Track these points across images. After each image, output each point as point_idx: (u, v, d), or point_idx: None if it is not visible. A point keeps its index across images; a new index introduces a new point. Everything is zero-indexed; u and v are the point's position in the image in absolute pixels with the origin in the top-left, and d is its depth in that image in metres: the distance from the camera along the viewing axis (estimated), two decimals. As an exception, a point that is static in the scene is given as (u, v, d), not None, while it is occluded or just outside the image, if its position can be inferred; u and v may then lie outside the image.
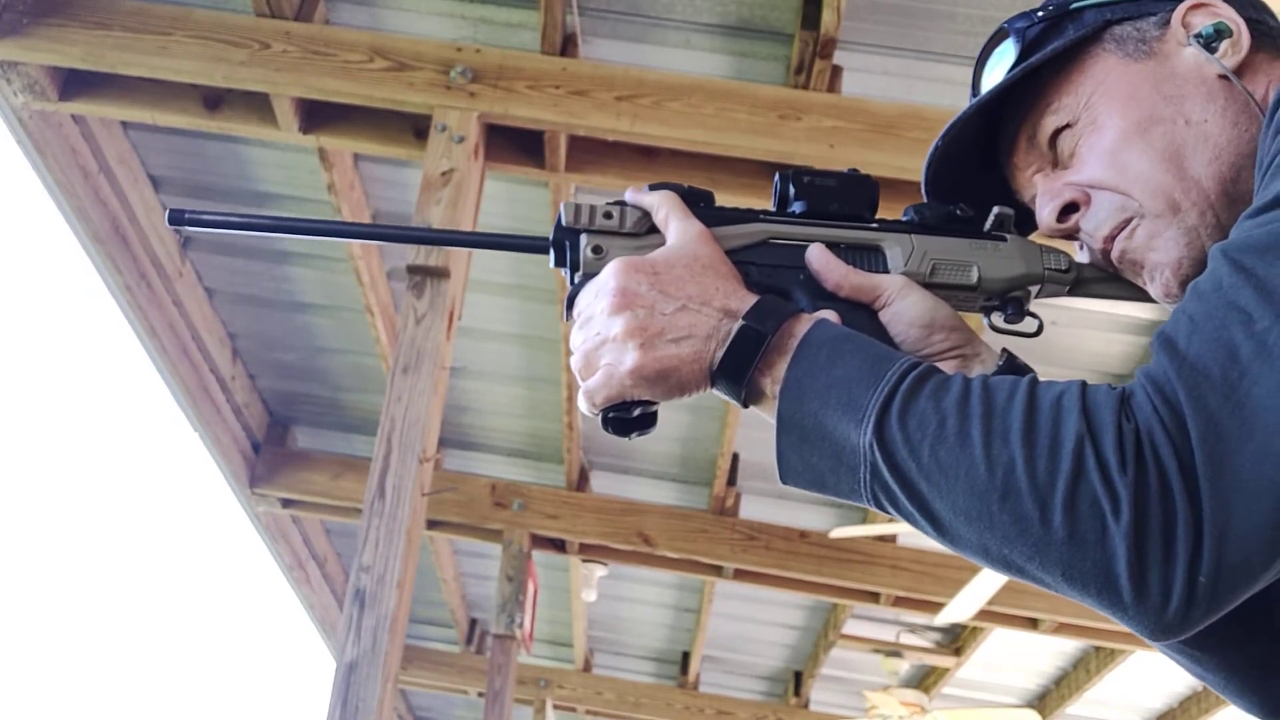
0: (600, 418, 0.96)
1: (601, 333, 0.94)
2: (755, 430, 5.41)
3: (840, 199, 1.07)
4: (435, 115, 3.58)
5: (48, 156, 3.99)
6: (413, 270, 3.41)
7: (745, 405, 0.92)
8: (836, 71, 3.65)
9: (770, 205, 1.09)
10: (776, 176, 1.09)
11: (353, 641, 3.04)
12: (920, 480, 0.80)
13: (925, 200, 1.12)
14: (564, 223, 1.02)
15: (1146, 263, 0.99)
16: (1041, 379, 0.84)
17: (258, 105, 3.79)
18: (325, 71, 3.64)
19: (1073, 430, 0.77)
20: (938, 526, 0.82)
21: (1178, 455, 0.75)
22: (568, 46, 3.71)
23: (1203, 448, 0.75)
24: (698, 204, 1.03)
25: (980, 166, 1.12)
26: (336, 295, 5.08)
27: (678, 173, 3.81)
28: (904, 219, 1.08)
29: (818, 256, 1.02)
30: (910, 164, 3.54)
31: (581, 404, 0.97)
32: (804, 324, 0.90)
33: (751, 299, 0.93)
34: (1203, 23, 1.00)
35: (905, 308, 1.01)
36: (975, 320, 4.20)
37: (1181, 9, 1.01)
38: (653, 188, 1.04)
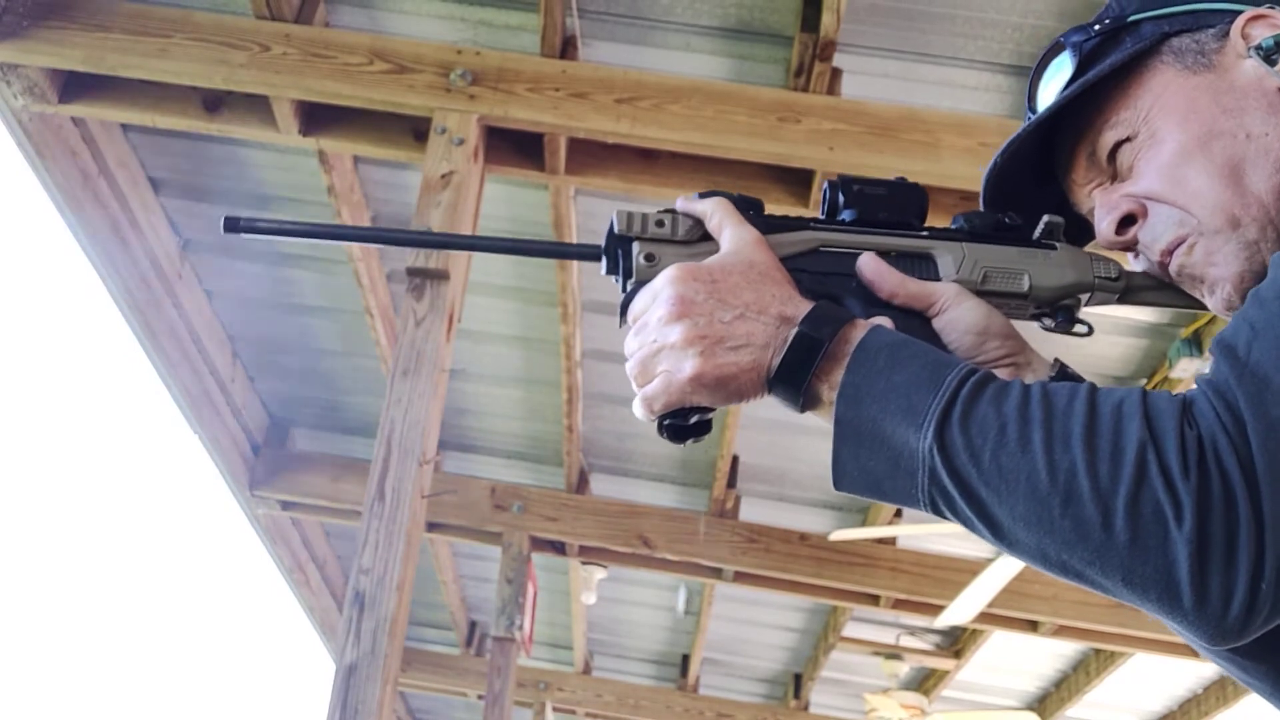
0: (656, 424, 0.97)
1: (659, 340, 0.94)
2: (755, 433, 5.41)
3: (889, 207, 1.08)
4: (435, 118, 3.58)
5: (48, 159, 3.99)
6: (412, 272, 3.41)
7: (802, 410, 0.93)
8: (836, 74, 3.65)
9: (810, 212, 1.09)
10: (825, 184, 1.09)
11: (352, 644, 3.03)
12: (980, 485, 0.81)
13: (985, 206, 1.12)
14: (616, 230, 1.03)
15: (1206, 278, 0.99)
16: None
17: (258, 108, 3.79)
18: (325, 74, 3.64)
19: (1135, 436, 0.77)
20: (996, 531, 0.82)
21: (1240, 462, 0.75)
22: (567, 49, 3.71)
23: (1264, 454, 0.75)
24: (747, 211, 1.03)
25: (1038, 180, 1.12)
26: (336, 297, 5.08)
27: (677, 175, 3.82)
28: (953, 226, 1.09)
29: (870, 265, 1.03)
30: (910, 167, 3.54)
31: (637, 410, 0.97)
32: (860, 330, 0.90)
33: (807, 305, 0.93)
34: (1263, 34, 0.99)
35: (959, 315, 1.02)
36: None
37: (1241, 20, 1.00)
38: (703, 195, 1.04)
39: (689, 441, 0.98)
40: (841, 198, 1.07)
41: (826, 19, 3.38)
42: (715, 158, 3.70)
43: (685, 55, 3.78)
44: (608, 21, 3.73)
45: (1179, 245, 0.99)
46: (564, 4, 3.59)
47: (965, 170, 3.51)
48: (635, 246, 1.02)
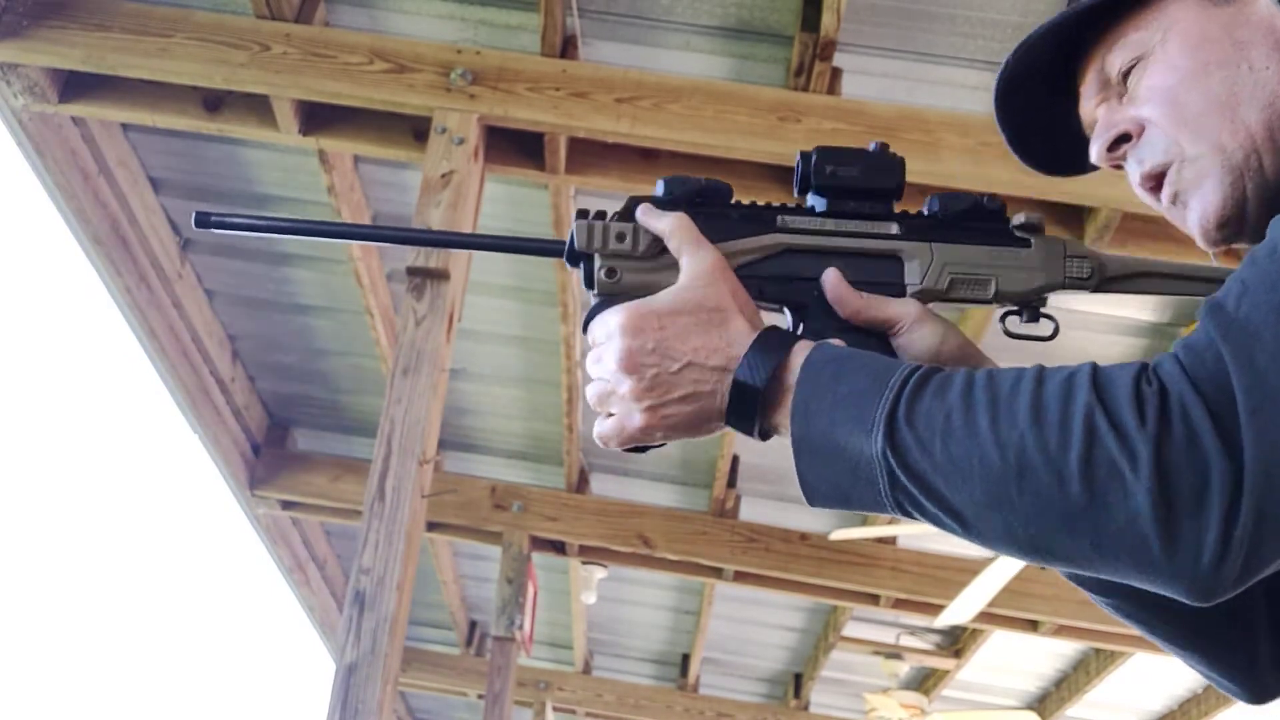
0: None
1: (611, 384, 0.98)
2: (755, 432, 5.41)
3: (862, 193, 1.07)
4: (435, 117, 3.58)
5: (47, 158, 3.99)
6: (412, 272, 3.40)
7: (764, 439, 0.95)
8: (836, 74, 3.65)
9: (789, 194, 1.08)
10: (799, 156, 1.08)
11: (352, 643, 3.03)
12: (937, 479, 0.81)
13: (997, 114, 1.13)
14: (576, 247, 1.03)
15: (1188, 202, 0.99)
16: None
17: (258, 107, 3.79)
18: (325, 73, 3.64)
19: (1081, 402, 0.78)
20: (963, 524, 0.82)
21: (1211, 412, 0.75)
22: (567, 48, 3.71)
23: (1248, 402, 0.75)
24: (713, 203, 1.04)
25: (1050, 90, 1.12)
26: (336, 297, 5.08)
27: (677, 175, 3.81)
28: (926, 212, 1.07)
29: (833, 285, 1.03)
30: (910, 166, 3.50)
31: (595, 437, 1.02)
32: (801, 353, 0.92)
33: (748, 345, 0.94)
34: None
35: (917, 339, 1.03)
36: (981, 318, 4.11)
37: None
38: (667, 183, 1.05)
39: (647, 451, 1.02)
40: (814, 179, 1.06)
41: (826, 19, 3.38)
42: (715, 157, 3.70)
43: (685, 55, 3.78)
44: (608, 21, 3.73)
45: (1165, 171, 1.00)
46: (564, 3, 3.59)
47: (965, 170, 3.51)
48: (596, 260, 1.03)
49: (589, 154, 3.85)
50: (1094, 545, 0.77)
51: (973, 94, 3.70)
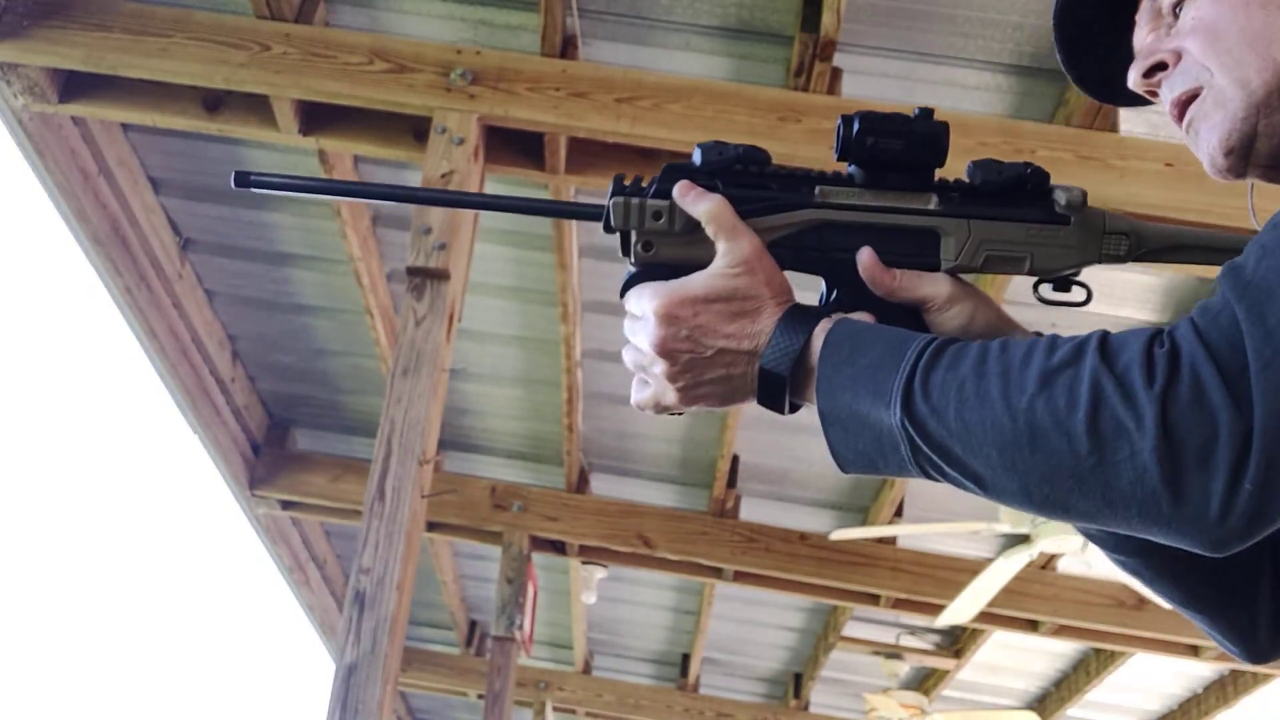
0: None
1: (647, 361, 1.02)
2: (755, 432, 5.41)
3: (902, 166, 1.05)
4: (435, 117, 3.58)
5: (48, 158, 3.99)
6: (412, 272, 3.40)
7: (793, 413, 1.00)
8: (836, 74, 3.65)
9: (831, 155, 1.07)
10: (840, 120, 1.06)
11: (352, 644, 3.03)
12: (955, 445, 0.85)
13: (1055, 30, 1.12)
14: (613, 224, 1.03)
15: (1200, 130, 1.01)
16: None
17: (258, 107, 3.79)
18: (325, 73, 3.64)
19: (1089, 367, 0.81)
20: (983, 485, 0.86)
21: (1221, 369, 0.77)
22: (567, 48, 3.71)
23: (1259, 358, 0.76)
24: (751, 171, 1.04)
25: (1112, 12, 1.12)
26: (336, 297, 5.08)
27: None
28: (968, 181, 1.06)
29: (867, 266, 1.05)
30: (910, 166, 3.54)
31: (633, 403, 1.06)
32: (822, 333, 0.96)
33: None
34: None
35: (949, 317, 1.05)
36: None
37: None
38: (704, 150, 1.05)
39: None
40: (853, 152, 1.05)
41: (826, 18, 3.38)
42: (715, 157, 3.69)
43: (685, 55, 3.78)
44: (608, 21, 3.73)
45: (1191, 99, 1.01)
46: (564, 3, 3.59)
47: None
48: (633, 236, 1.03)
49: (589, 154, 3.85)
50: (1106, 502, 0.80)
51: (973, 94, 3.70)
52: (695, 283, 1.00)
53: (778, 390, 0.97)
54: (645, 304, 1.01)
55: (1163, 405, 0.77)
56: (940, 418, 0.85)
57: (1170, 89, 1.03)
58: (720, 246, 1.01)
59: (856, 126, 1.04)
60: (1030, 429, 0.81)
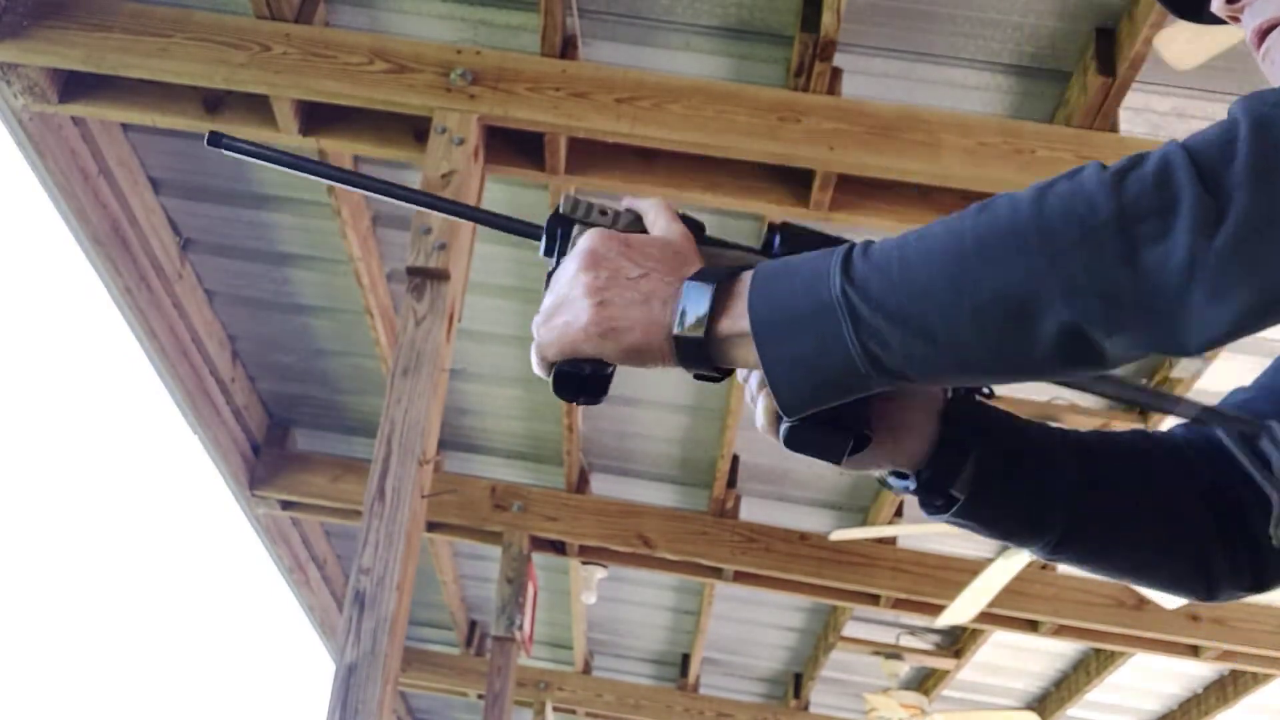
0: (551, 377, 0.96)
1: (564, 291, 0.95)
2: (755, 432, 5.38)
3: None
4: (435, 117, 3.58)
5: (48, 159, 3.99)
6: (412, 272, 3.40)
7: (717, 369, 0.90)
8: (836, 73, 3.65)
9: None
10: (768, 225, 1.10)
11: (352, 644, 3.03)
12: (899, 296, 0.79)
13: None
14: (561, 211, 1.05)
15: (1276, 60, 0.98)
16: None
17: (258, 107, 3.79)
18: (325, 73, 3.64)
19: (1049, 186, 0.77)
20: (933, 340, 0.79)
21: (1195, 162, 0.73)
22: (568, 49, 3.71)
23: (1256, 163, 0.72)
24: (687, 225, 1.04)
25: None
26: (336, 297, 5.08)
27: (678, 175, 3.81)
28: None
29: None
30: (910, 166, 3.54)
31: (533, 363, 0.97)
32: (748, 272, 0.90)
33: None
34: None
35: None
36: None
37: None
38: (552, 220, 1.05)
39: (581, 400, 0.95)
40: (778, 239, 1.04)
41: (826, 19, 3.38)
42: (715, 157, 3.70)
43: (685, 55, 3.78)
44: (608, 21, 3.73)
45: (1272, 28, 0.99)
46: (564, 4, 3.59)
47: (965, 170, 3.51)
48: (575, 229, 1.04)
49: (589, 154, 3.85)
50: (1068, 290, 0.74)
51: (973, 94, 3.70)
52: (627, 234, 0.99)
53: (701, 310, 0.88)
54: (575, 247, 0.98)
55: (1120, 178, 0.74)
56: (883, 271, 0.80)
57: (1252, 16, 1.01)
58: (659, 225, 0.99)
59: (783, 225, 1.04)
60: (978, 239, 0.77)
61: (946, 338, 0.79)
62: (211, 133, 1.08)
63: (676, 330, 0.89)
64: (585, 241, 0.97)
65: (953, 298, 0.78)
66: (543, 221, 1.09)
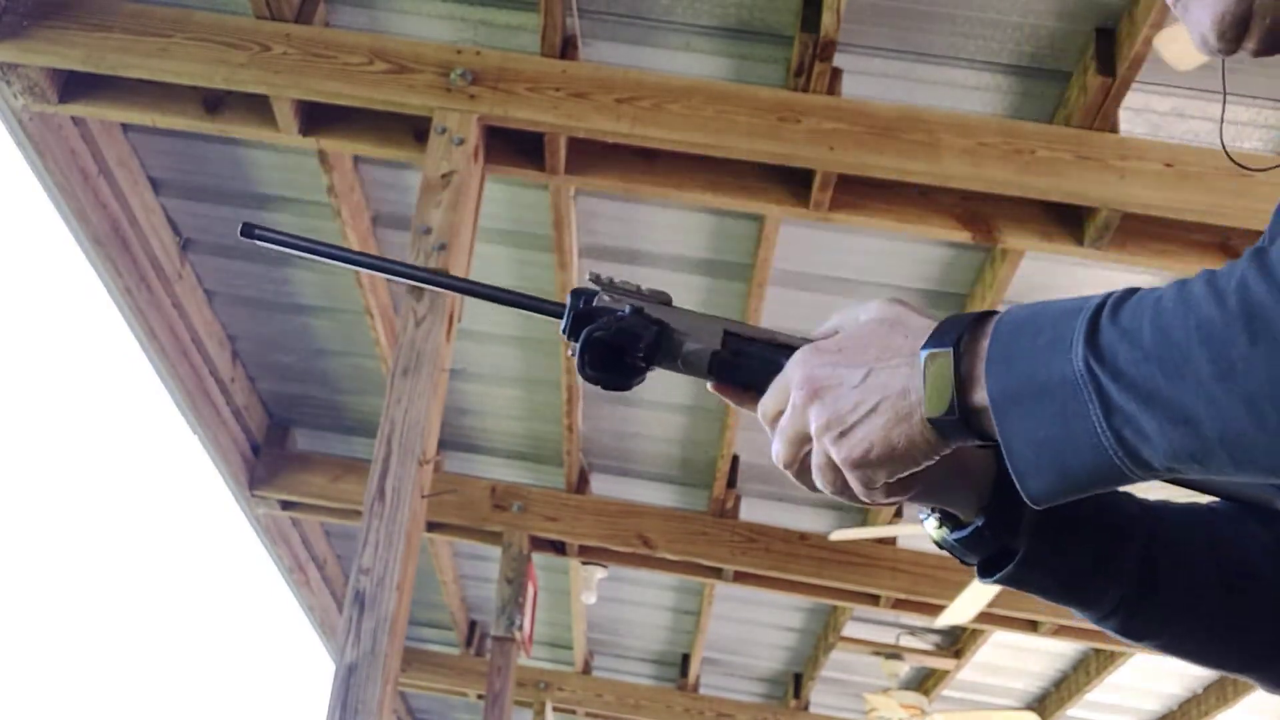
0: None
1: (799, 424, 0.86)
2: (755, 432, 5.41)
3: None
4: (435, 117, 3.58)
5: (48, 159, 3.99)
6: (413, 272, 3.40)
7: (983, 439, 0.79)
8: (836, 74, 3.65)
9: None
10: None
11: (352, 644, 3.03)
12: (1151, 369, 0.68)
13: None
14: (584, 288, 1.02)
15: (1193, 8, 0.90)
16: None
17: (258, 107, 3.79)
18: (325, 74, 3.64)
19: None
20: (1197, 427, 0.67)
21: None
22: (567, 49, 3.71)
23: None
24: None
25: None
26: (336, 297, 5.08)
27: (677, 175, 3.81)
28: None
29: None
30: (910, 167, 3.54)
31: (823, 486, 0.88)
32: (991, 319, 0.79)
33: (929, 328, 0.82)
34: None
35: None
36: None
37: None
38: (575, 294, 1.00)
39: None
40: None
41: (826, 19, 3.38)
42: (715, 158, 3.70)
43: (685, 55, 3.78)
44: (608, 21, 3.73)
45: None
46: (564, 4, 3.59)
47: (965, 170, 3.51)
48: (597, 300, 1.01)
49: (589, 154, 3.85)
50: None
51: (973, 94, 3.70)
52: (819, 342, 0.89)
53: (945, 382, 0.77)
54: (782, 376, 0.88)
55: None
56: (1132, 340, 0.69)
57: None
58: (862, 310, 0.89)
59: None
60: (1245, 310, 0.65)
61: (1211, 419, 0.67)
62: (245, 224, 1.03)
63: (929, 414, 0.79)
64: (795, 368, 0.87)
65: (1218, 381, 0.66)
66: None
